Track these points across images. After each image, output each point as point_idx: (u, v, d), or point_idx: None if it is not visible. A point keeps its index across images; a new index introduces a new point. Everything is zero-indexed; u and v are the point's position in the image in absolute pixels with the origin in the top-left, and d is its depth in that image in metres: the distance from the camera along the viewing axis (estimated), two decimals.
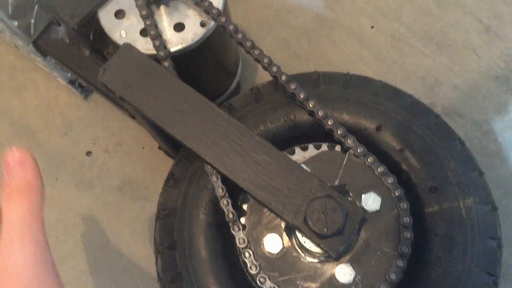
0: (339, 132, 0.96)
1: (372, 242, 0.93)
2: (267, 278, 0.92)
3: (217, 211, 0.99)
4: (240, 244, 0.93)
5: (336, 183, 0.97)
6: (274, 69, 1.00)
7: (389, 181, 0.94)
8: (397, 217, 0.93)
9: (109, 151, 1.54)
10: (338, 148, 1.02)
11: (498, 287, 0.91)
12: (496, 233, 0.91)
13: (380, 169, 0.95)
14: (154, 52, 1.06)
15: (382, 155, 0.97)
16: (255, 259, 0.94)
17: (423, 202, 0.94)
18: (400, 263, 0.90)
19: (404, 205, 0.92)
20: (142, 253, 1.45)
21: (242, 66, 1.48)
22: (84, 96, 1.56)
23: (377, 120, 1.01)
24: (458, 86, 1.47)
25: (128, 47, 0.96)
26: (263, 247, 0.97)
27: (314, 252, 0.92)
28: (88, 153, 1.54)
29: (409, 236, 0.92)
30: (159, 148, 1.44)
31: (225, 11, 1.15)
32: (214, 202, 0.99)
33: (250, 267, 0.93)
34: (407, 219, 0.91)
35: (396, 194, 0.93)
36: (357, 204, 0.93)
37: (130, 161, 1.52)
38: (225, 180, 0.93)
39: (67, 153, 1.54)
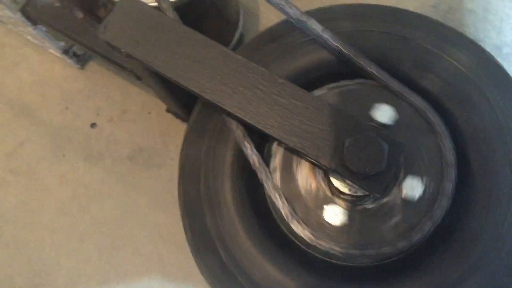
0: (371, 68, 0.89)
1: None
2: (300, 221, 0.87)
3: (243, 160, 0.92)
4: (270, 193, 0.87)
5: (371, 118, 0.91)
6: (292, 10, 0.92)
7: (431, 117, 0.87)
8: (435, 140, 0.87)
9: (115, 121, 1.47)
10: (373, 83, 0.94)
11: None
12: None
13: (421, 105, 0.88)
14: (155, 3, 0.98)
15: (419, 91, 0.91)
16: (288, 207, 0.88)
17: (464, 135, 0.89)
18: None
19: (447, 142, 0.86)
20: (163, 221, 1.40)
21: (243, 16, 1.40)
22: (81, 66, 1.48)
23: (407, 53, 0.94)
24: (473, 10, 1.40)
25: None
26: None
27: (354, 196, 0.87)
28: (93, 125, 1.47)
29: (452, 174, 0.86)
30: (168, 110, 1.37)
31: None
32: (240, 156, 0.93)
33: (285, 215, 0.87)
34: (450, 156, 0.86)
35: (439, 130, 0.86)
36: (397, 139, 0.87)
37: (138, 128, 1.46)
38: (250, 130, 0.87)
39: (71, 127, 1.47)
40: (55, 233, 1.41)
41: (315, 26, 0.92)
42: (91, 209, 1.43)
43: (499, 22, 1.38)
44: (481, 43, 1.37)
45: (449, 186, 0.84)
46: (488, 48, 1.37)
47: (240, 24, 1.39)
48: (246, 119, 0.84)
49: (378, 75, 0.90)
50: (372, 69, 0.90)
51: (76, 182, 1.44)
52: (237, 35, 1.38)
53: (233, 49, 1.38)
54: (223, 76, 0.85)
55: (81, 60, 1.46)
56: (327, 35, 0.91)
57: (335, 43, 0.91)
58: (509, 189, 0.84)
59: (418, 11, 1.42)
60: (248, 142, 0.88)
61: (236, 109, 0.84)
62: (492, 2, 1.40)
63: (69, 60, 1.45)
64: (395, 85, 0.89)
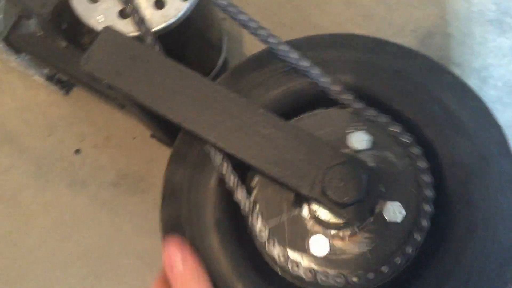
0: (346, 96, 0.90)
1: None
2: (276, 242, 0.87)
3: (226, 197, 0.93)
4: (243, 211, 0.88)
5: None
6: (272, 40, 0.93)
7: (406, 140, 0.88)
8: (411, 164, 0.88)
9: (99, 147, 1.46)
10: (348, 110, 0.95)
11: None
12: None
13: (396, 129, 0.89)
14: (136, 33, 0.99)
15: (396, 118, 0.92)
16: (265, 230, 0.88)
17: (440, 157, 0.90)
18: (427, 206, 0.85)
19: (423, 163, 0.87)
20: (147, 247, 1.39)
21: (227, 41, 1.41)
22: (65, 92, 1.48)
23: (382, 79, 0.95)
24: (451, 34, 1.42)
25: (109, 30, 0.89)
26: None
27: (335, 223, 0.87)
28: (77, 151, 1.47)
29: (430, 194, 0.87)
30: (152, 136, 1.37)
31: None
32: (222, 185, 0.93)
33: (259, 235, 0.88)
34: (427, 177, 0.86)
35: (415, 152, 0.87)
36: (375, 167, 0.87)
37: (122, 154, 1.45)
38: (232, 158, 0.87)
39: (55, 154, 1.46)
40: (38, 262, 1.40)
41: (294, 55, 0.93)
42: (75, 236, 1.41)
43: (478, 46, 1.41)
44: (460, 67, 1.40)
45: (427, 208, 0.85)
46: (467, 71, 1.40)
47: (224, 49, 1.40)
48: (226, 149, 0.84)
49: (354, 103, 0.91)
50: (348, 96, 0.91)
51: (60, 209, 1.43)
52: (221, 60, 1.39)
53: (218, 74, 1.40)
54: (203, 106, 0.85)
55: (65, 87, 1.46)
56: (305, 64, 0.93)
57: (313, 72, 0.92)
58: (488, 210, 0.85)
59: (398, 35, 1.45)
60: (229, 171, 0.88)
61: (215, 139, 0.85)
62: (470, 26, 1.43)
63: (53, 87, 1.45)
64: (371, 111, 0.90)
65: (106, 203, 1.42)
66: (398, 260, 0.83)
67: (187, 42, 1.20)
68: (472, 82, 1.38)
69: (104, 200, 1.43)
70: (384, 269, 0.83)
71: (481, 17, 1.43)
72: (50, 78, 1.40)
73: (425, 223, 0.85)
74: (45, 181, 1.44)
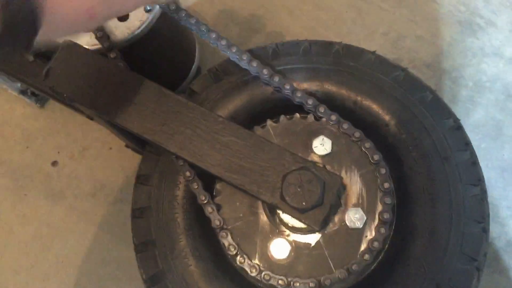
0: (309, 102, 0.91)
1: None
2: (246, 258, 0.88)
3: (193, 203, 0.94)
4: (215, 225, 0.88)
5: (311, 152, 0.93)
6: (233, 49, 0.94)
7: (366, 146, 0.89)
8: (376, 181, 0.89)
9: (76, 158, 1.47)
10: (311, 116, 0.96)
11: (488, 233, 0.89)
12: (479, 179, 0.89)
13: (357, 134, 0.90)
14: (100, 46, 0.99)
15: (357, 122, 0.93)
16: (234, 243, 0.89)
17: (402, 161, 0.91)
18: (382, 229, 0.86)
19: (383, 170, 0.88)
20: (127, 256, 1.39)
21: (199, 49, 1.42)
22: (40, 105, 1.49)
23: (343, 84, 0.97)
24: (421, 36, 1.44)
25: (70, 44, 0.90)
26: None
27: (298, 228, 0.88)
28: (54, 163, 1.47)
29: (389, 201, 0.88)
30: (127, 146, 1.38)
31: None
32: (189, 192, 0.94)
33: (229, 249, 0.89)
34: (387, 184, 0.88)
35: (375, 158, 0.89)
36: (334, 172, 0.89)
37: (99, 164, 1.46)
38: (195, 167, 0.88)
39: (32, 166, 1.47)
40: (18, 274, 1.40)
41: (256, 64, 0.94)
42: (54, 247, 1.42)
43: (448, 47, 1.43)
44: (430, 68, 1.42)
45: (388, 214, 0.86)
46: (438, 72, 1.42)
47: (197, 57, 1.41)
48: (187, 158, 0.85)
49: (316, 109, 0.92)
50: (309, 103, 0.92)
51: (39, 221, 1.43)
52: (194, 66, 1.40)
53: (192, 79, 1.40)
54: (164, 117, 0.87)
55: (40, 99, 1.47)
56: (267, 72, 0.94)
57: (275, 79, 0.93)
58: (449, 213, 0.87)
59: (369, 38, 1.47)
60: (193, 179, 0.90)
61: (177, 149, 0.86)
62: (439, 28, 1.44)
63: (28, 100, 1.45)
64: (333, 118, 0.91)
65: (85, 214, 1.43)
66: (365, 260, 0.85)
67: (157, 51, 1.21)
68: (444, 83, 1.40)
69: (82, 211, 1.43)
70: (356, 265, 0.84)
71: (450, 18, 1.45)
72: (23, 92, 1.41)
73: (386, 227, 0.86)
74: (23, 193, 1.45)
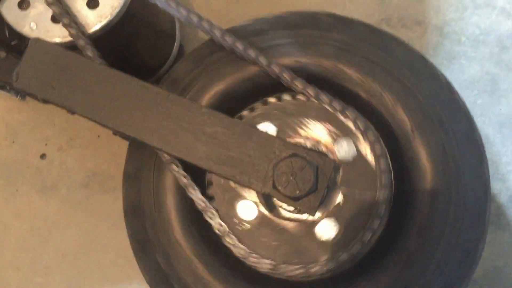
0: (297, 83, 0.86)
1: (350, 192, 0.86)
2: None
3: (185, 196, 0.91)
4: (218, 231, 0.86)
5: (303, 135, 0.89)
6: (217, 31, 0.89)
7: (361, 126, 0.85)
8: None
9: (64, 149, 1.43)
10: (301, 96, 0.92)
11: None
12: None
13: (350, 114, 0.86)
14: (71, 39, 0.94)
15: (350, 97, 0.89)
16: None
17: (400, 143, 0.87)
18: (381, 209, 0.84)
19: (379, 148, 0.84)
20: (126, 242, 1.38)
21: (179, 27, 1.36)
22: (21, 97, 1.44)
23: (335, 58, 0.91)
24: None
25: (37, 42, 0.85)
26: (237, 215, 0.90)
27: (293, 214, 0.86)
28: (43, 156, 1.44)
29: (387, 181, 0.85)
30: (114, 133, 1.35)
31: None
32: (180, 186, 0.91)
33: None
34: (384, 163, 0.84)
35: (370, 138, 0.85)
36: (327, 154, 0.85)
37: (89, 153, 1.43)
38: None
39: (20, 161, 1.44)
40: (19, 270, 1.39)
41: (239, 44, 0.89)
42: (53, 241, 1.40)
43: (437, 1, 1.37)
44: (421, 25, 1.36)
45: (381, 207, 0.83)
46: (430, 29, 1.36)
47: (177, 36, 1.35)
48: (173, 153, 0.82)
49: (307, 88, 0.88)
50: (300, 83, 0.88)
51: (33, 215, 1.41)
52: (175, 48, 1.35)
53: (174, 61, 1.35)
54: (145, 111, 0.83)
55: (20, 93, 1.42)
56: (253, 53, 0.89)
57: (260, 60, 0.89)
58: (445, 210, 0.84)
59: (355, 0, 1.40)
60: (180, 172, 0.86)
61: (161, 144, 0.82)
62: None
63: (8, 94, 1.40)
64: (323, 97, 0.87)
65: (79, 205, 1.41)
66: (358, 246, 0.83)
67: (135, 35, 1.16)
68: (435, 39, 1.35)
69: (76, 202, 1.41)
70: (344, 256, 0.82)
71: None
72: (1, 87, 1.36)
73: (383, 209, 0.83)
74: (14, 189, 1.42)
